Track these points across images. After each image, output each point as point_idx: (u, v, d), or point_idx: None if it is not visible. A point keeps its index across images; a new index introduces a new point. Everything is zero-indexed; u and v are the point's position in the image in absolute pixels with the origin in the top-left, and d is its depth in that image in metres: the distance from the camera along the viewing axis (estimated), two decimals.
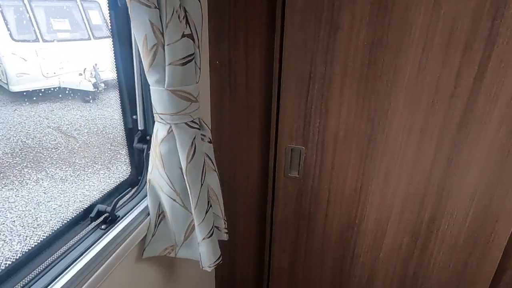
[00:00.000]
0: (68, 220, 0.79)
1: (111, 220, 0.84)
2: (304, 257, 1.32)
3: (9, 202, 2.28)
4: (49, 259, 0.70)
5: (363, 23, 0.95)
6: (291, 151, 1.17)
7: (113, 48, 0.85)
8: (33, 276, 0.67)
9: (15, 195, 2.36)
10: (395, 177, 1.10)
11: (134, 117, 0.94)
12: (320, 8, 0.97)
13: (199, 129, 0.86)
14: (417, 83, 0.97)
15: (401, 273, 1.22)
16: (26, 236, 2.03)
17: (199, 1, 0.78)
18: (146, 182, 0.91)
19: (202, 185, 0.87)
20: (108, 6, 0.82)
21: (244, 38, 1.11)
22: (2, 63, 3.36)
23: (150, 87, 0.78)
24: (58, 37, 3.81)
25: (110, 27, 0.84)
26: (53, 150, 2.99)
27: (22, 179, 2.54)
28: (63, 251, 0.73)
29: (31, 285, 0.65)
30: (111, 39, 0.84)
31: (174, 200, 0.89)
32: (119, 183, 0.96)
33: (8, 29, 3.33)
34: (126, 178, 1.00)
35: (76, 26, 3.99)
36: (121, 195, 0.93)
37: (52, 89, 3.75)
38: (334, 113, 1.08)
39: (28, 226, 2.12)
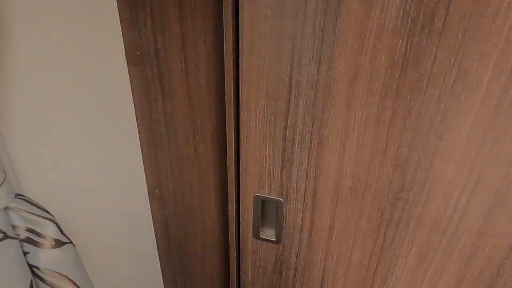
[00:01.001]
0: None
1: None
2: None
3: None
4: None
5: None
6: (262, 203, 0.71)
7: None
8: None
9: None
10: (439, 261, 0.63)
11: None
12: None
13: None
14: (503, 100, 0.48)
15: None
16: None
17: None
18: None
19: None
20: None
21: (177, 16, 0.62)
22: None
23: None
24: None
25: None
26: None
27: None
28: None
29: None
30: None
31: None
32: None
33: None
34: None
35: None
36: None
37: None
38: (335, 148, 0.60)
39: None
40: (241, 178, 0.69)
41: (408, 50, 0.49)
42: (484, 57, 0.46)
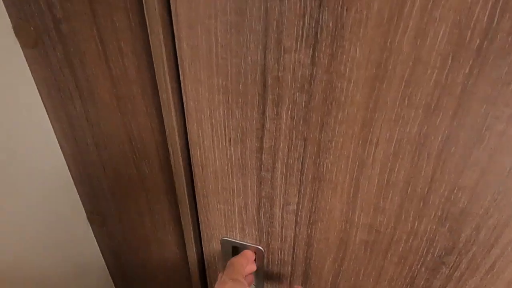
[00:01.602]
0: None
1: None
2: None
3: None
4: None
5: None
6: (233, 248, 0.48)
7: None
8: None
9: None
10: None
11: None
12: None
13: None
14: None
15: None
16: None
17: None
18: None
19: None
20: None
21: None
22: None
23: None
24: None
25: None
26: None
27: None
28: None
29: None
30: None
31: None
32: None
33: None
34: None
35: None
36: None
37: None
38: (341, 186, 0.36)
39: None
40: (200, 215, 0.47)
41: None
42: None
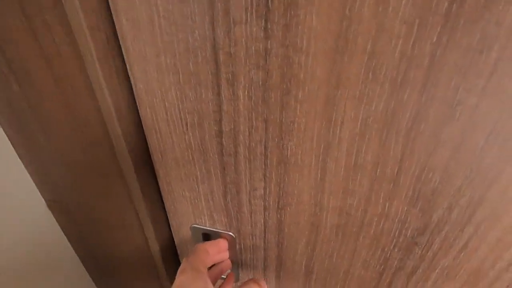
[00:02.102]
0: None
1: None
2: None
3: None
4: None
5: None
6: (204, 235, 0.46)
7: None
8: None
9: None
10: None
11: None
12: None
13: None
14: None
15: None
16: None
17: None
18: None
19: None
20: None
21: None
22: None
23: None
24: None
25: None
26: None
27: None
28: None
29: None
30: None
31: None
32: None
33: None
34: None
35: None
36: None
37: None
38: (307, 169, 0.34)
39: None
40: (165, 202, 0.44)
41: None
42: None
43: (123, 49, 0.31)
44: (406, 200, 0.33)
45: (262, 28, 0.26)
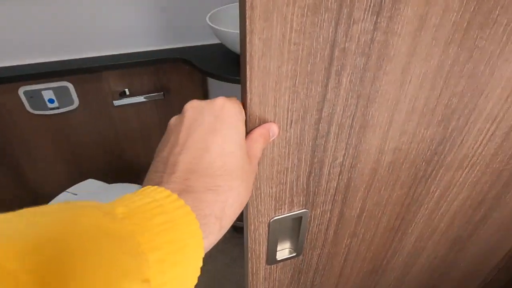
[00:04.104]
0: None
1: None
2: None
3: None
4: None
5: None
6: (279, 223, 0.50)
7: None
8: None
9: None
10: (455, 193, 0.61)
11: None
12: None
13: None
14: None
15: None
16: None
17: None
18: None
19: None
20: None
21: None
22: None
23: None
24: None
25: None
26: None
27: None
28: None
29: None
30: None
31: None
32: None
33: None
34: None
35: None
36: None
37: None
38: (379, 126, 0.44)
39: None
40: (249, 207, 0.46)
41: None
42: None
43: (247, 67, 0.32)
44: (436, 123, 0.47)
45: (374, 22, 0.33)
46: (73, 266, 0.17)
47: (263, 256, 0.54)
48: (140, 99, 1.28)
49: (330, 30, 0.32)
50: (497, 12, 0.37)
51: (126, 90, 1.25)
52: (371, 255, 0.68)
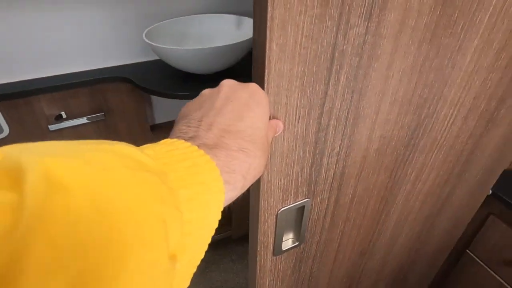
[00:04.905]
0: None
1: None
2: None
3: None
4: None
5: None
6: (286, 214, 0.55)
7: None
8: None
9: None
10: (427, 174, 0.70)
11: None
12: None
13: None
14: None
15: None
16: None
17: None
18: None
19: None
20: None
21: None
22: None
23: None
24: None
25: None
26: None
27: None
28: None
29: None
30: None
31: None
32: None
33: None
34: None
35: None
36: None
37: None
38: (369, 116, 0.50)
39: None
40: (261, 202, 0.50)
41: None
42: None
43: (266, 70, 0.36)
44: (412, 112, 0.54)
45: (365, 26, 0.39)
46: (115, 195, 0.18)
47: (270, 248, 0.58)
48: (79, 121, 1.20)
49: (332, 35, 0.38)
50: (456, 14, 0.45)
51: (63, 113, 1.16)
52: (360, 238, 0.74)
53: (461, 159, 0.74)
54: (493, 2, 0.47)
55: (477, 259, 1.03)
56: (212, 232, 0.27)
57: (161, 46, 0.98)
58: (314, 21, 0.36)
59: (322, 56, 0.39)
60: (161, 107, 1.40)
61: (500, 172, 0.89)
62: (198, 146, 0.28)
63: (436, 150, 0.66)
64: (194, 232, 0.24)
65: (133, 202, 0.19)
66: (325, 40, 0.38)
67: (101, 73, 1.16)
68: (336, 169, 0.54)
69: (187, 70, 1.07)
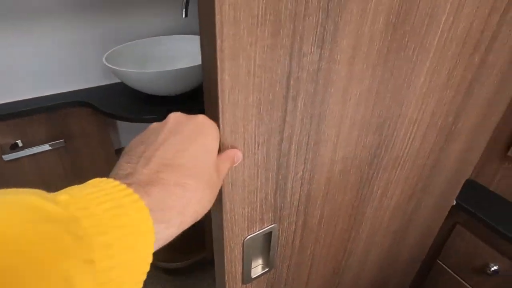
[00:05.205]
0: None
1: None
2: None
3: None
4: None
5: None
6: (252, 241, 0.53)
7: None
8: None
9: None
10: (393, 189, 0.71)
11: None
12: None
13: None
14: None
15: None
16: None
17: None
18: None
19: None
20: None
21: None
22: None
23: None
24: None
25: None
26: None
27: None
28: None
29: None
30: None
31: None
32: None
33: None
34: None
35: None
36: None
37: None
38: (330, 139, 0.50)
39: None
40: (225, 231, 0.48)
41: (401, 5, 0.43)
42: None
43: (220, 101, 0.36)
44: (372, 132, 0.55)
45: (319, 54, 0.40)
46: (9, 252, 0.17)
47: (239, 277, 0.56)
48: (38, 149, 1.14)
49: (286, 63, 0.38)
50: (407, 39, 0.47)
51: (19, 141, 1.10)
52: (331, 258, 0.74)
53: (424, 174, 0.75)
54: (441, 26, 0.49)
55: (447, 268, 1.05)
56: (144, 276, 0.25)
57: (121, 69, 0.96)
58: (266, 50, 0.35)
59: (277, 84, 0.39)
60: (128, 130, 1.36)
61: (462, 182, 0.93)
62: (130, 184, 0.26)
63: (399, 167, 0.67)
64: (116, 279, 0.22)
65: (31, 263, 0.17)
66: (279, 69, 0.38)
67: (60, 98, 1.11)
68: (301, 192, 0.53)
69: (151, 93, 1.05)
